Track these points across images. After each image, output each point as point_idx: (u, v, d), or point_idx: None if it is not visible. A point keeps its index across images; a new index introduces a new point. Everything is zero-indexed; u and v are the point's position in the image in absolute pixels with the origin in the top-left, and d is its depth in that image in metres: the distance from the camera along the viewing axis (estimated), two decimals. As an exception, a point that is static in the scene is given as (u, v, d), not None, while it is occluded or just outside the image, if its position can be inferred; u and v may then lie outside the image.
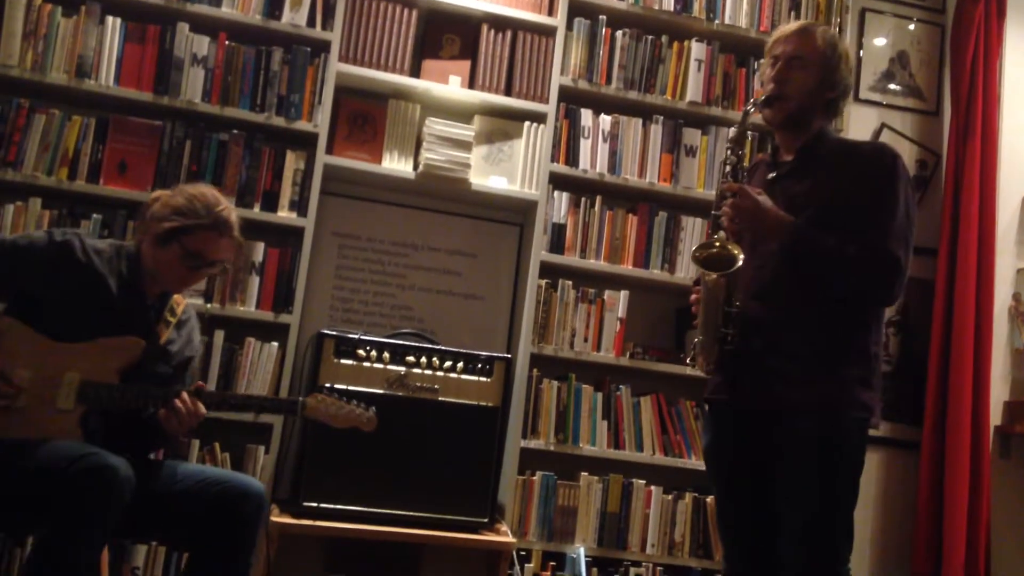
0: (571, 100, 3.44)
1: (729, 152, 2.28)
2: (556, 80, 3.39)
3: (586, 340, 3.36)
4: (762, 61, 2.39)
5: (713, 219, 2.25)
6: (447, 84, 3.35)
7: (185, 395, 2.24)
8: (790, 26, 2.34)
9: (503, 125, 3.44)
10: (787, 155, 2.32)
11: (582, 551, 3.20)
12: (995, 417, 3.67)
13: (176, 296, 2.46)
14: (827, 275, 2.13)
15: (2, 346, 2.19)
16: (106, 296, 2.29)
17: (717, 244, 2.19)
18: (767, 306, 2.19)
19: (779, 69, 2.26)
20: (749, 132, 2.34)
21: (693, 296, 2.30)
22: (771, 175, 2.31)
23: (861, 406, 2.14)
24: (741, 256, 2.14)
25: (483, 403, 3.07)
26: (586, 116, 3.43)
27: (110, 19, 3.09)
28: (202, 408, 2.26)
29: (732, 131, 2.32)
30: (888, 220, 2.12)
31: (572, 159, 3.42)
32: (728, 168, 2.27)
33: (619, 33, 3.48)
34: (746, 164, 2.34)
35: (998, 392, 3.71)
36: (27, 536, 2.74)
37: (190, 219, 2.31)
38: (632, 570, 3.27)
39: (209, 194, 2.39)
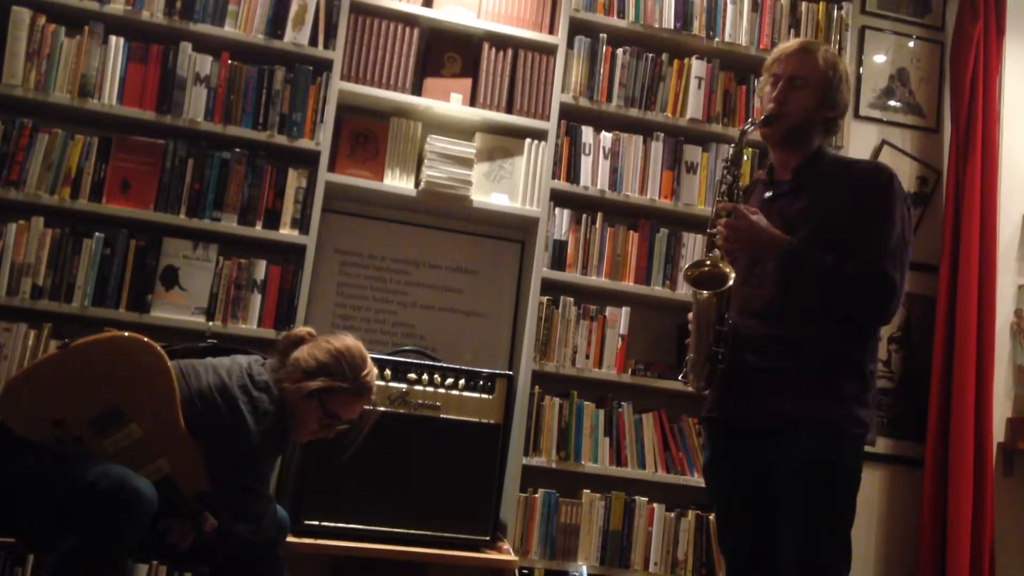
0: (572, 117, 3.45)
1: (725, 171, 2.29)
2: (557, 98, 3.41)
3: (588, 357, 3.35)
4: (761, 78, 2.39)
5: (708, 238, 2.25)
6: (448, 102, 3.36)
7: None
8: (791, 44, 2.33)
9: (504, 142, 3.45)
10: (784, 174, 2.31)
11: (584, 569, 3.19)
12: (998, 434, 3.67)
13: None
14: (822, 294, 2.13)
15: (153, 380, 2.14)
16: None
17: (708, 263, 2.20)
18: (765, 324, 2.19)
19: (780, 89, 2.26)
20: (747, 150, 2.32)
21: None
22: (768, 194, 2.31)
23: (857, 422, 2.13)
24: (733, 274, 2.15)
25: (484, 420, 3.06)
26: (587, 133, 3.45)
27: (113, 39, 3.11)
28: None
29: (730, 150, 2.32)
30: (884, 240, 2.12)
31: (573, 176, 3.42)
32: (724, 187, 2.27)
33: (619, 51, 3.49)
34: (743, 184, 2.35)
35: (1001, 409, 3.70)
36: (45, 547, 2.70)
37: (336, 381, 2.31)
38: (635, 588, 3.26)
39: (356, 352, 2.37)
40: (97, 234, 3.04)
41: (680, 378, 2.33)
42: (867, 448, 2.19)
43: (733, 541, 2.29)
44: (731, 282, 2.14)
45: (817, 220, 2.17)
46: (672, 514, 3.32)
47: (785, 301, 2.17)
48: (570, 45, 3.45)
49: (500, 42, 3.43)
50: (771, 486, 2.15)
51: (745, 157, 2.38)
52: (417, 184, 3.34)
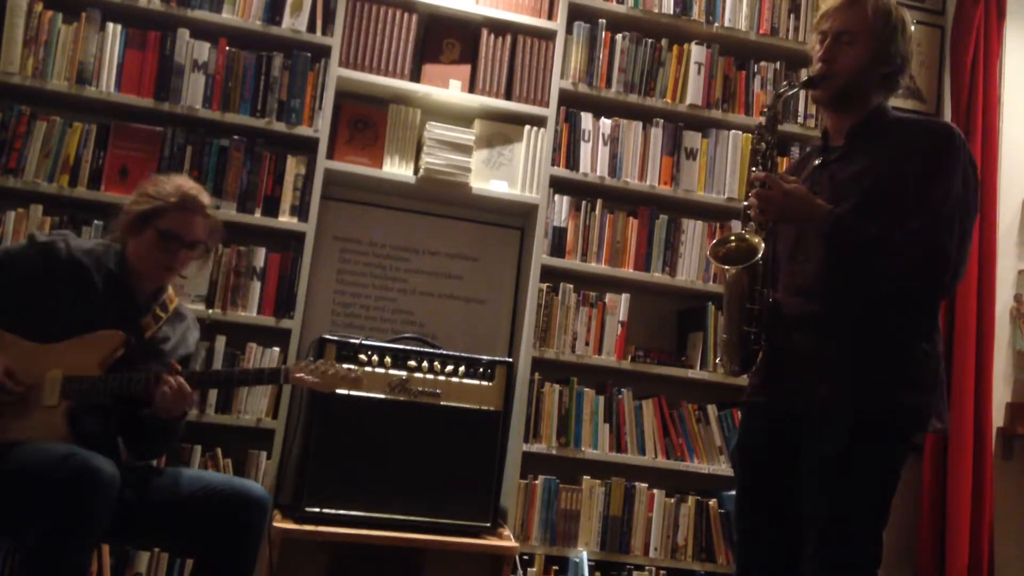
0: (571, 104, 3.44)
1: (759, 138, 2.12)
2: (556, 84, 3.40)
3: (587, 343, 3.36)
4: (811, 37, 2.19)
5: (743, 210, 2.09)
6: (447, 88, 3.35)
7: (168, 376, 2.23)
8: None
9: (503, 129, 3.44)
10: (837, 139, 2.13)
11: (585, 555, 3.20)
12: (997, 419, 3.67)
13: (169, 293, 2.47)
14: (867, 267, 1.96)
15: None
16: (92, 293, 2.30)
17: (734, 238, 2.06)
18: (808, 302, 2.04)
19: (827, 46, 2.07)
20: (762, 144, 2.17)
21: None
22: (818, 161, 2.15)
23: (903, 409, 1.97)
24: (763, 247, 2.00)
25: (485, 407, 3.06)
26: (586, 119, 3.44)
27: (111, 26, 3.10)
28: (186, 385, 2.24)
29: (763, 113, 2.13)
30: (938, 204, 1.92)
31: (572, 163, 3.42)
32: (758, 156, 2.11)
33: (619, 36, 3.48)
34: (776, 151, 2.16)
35: (1000, 394, 3.70)
36: (14, 540, 2.71)
37: (159, 200, 2.34)
38: (635, 574, 3.26)
39: (176, 177, 2.46)
40: (96, 221, 3.03)
41: (716, 360, 2.24)
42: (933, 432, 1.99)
43: (753, 529, 2.13)
44: (760, 255, 1.99)
45: (868, 186, 1.98)
46: (672, 500, 3.32)
47: (829, 277, 2.01)
48: (569, 31, 3.44)
49: (499, 28, 3.42)
50: (799, 474, 2.00)
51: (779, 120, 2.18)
52: (416, 171, 3.34)
